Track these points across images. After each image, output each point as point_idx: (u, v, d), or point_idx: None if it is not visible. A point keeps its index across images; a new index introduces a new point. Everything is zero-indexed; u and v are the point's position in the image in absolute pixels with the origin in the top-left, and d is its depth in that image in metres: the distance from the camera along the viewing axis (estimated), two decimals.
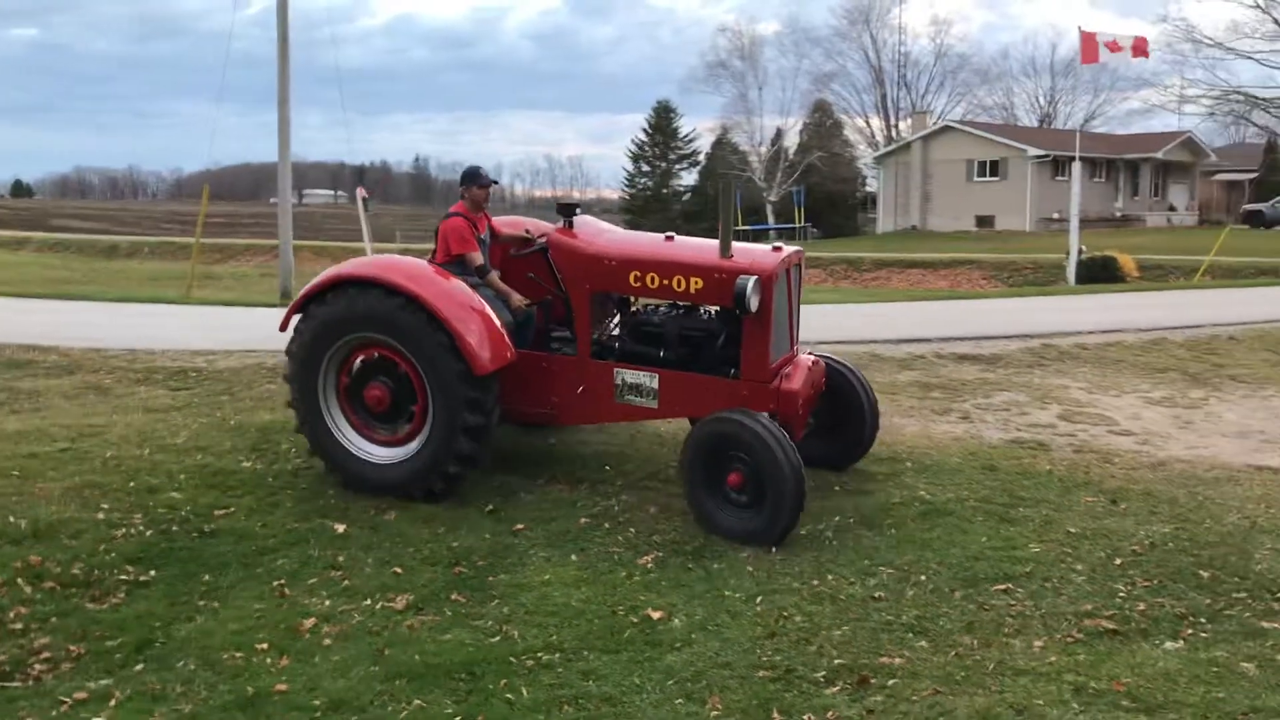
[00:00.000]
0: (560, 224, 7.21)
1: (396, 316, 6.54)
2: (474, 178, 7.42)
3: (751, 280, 6.30)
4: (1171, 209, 59.94)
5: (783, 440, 6.04)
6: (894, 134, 70.15)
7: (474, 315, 6.58)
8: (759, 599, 5.44)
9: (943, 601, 5.41)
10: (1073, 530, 6.38)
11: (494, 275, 7.28)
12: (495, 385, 6.68)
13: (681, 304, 7.00)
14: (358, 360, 6.90)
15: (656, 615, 5.24)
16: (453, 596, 5.50)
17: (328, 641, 5.00)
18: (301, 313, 6.94)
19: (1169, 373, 11.80)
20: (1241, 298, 19.88)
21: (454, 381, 6.48)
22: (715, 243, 6.72)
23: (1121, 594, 5.49)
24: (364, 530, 6.35)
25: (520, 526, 6.40)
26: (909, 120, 68.01)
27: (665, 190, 70.47)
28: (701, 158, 70.93)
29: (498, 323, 6.69)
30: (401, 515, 6.58)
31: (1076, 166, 25.98)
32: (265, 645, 4.94)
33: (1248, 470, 7.82)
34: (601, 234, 7.20)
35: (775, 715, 4.31)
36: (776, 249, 6.77)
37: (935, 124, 62.69)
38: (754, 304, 6.32)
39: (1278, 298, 19.77)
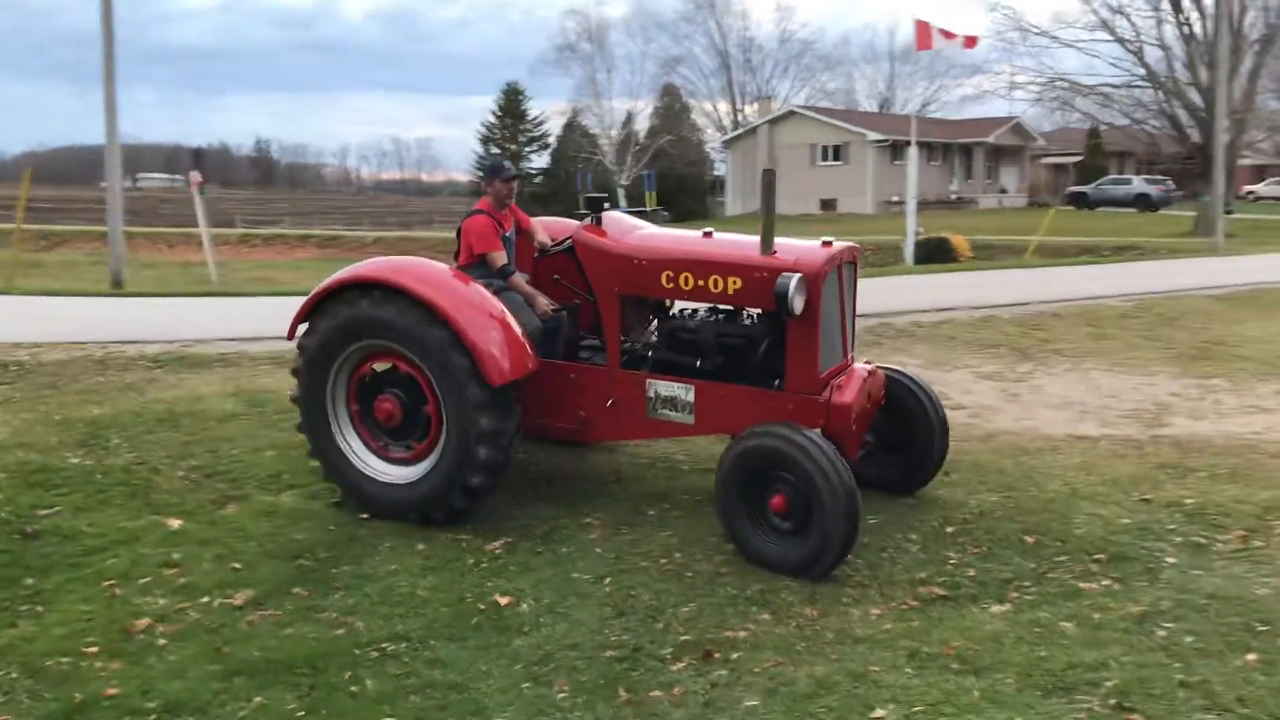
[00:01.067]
0: (587, 220, 6.56)
1: (407, 322, 5.99)
2: (496, 171, 6.90)
3: (795, 279, 5.62)
4: (1003, 191, 62.66)
5: (834, 459, 5.37)
6: (740, 118, 71.29)
7: (490, 321, 5.99)
8: (608, 579, 5.49)
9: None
10: (908, 502, 6.63)
11: (519, 277, 6.73)
12: (513, 399, 6.09)
13: (722, 308, 6.37)
14: (370, 369, 6.38)
15: (504, 601, 5.23)
16: (294, 590, 5.37)
17: (162, 642, 4.82)
18: (312, 315, 6.34)
19: (998, 348, 12.35)
20: (1065, 275, 20.93)
21: (467, 394, 5.89)
22: (757, 239, 6.06)
23: (953, 561, 5.74)
24: (201, 525, 6.14)
25: (365, 517, 6.29)
26: (755, 105, 69.23)
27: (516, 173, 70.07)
28: (552, 140, 70.76)
29: (517, 330, 6.09)
30: (242, 509, 6.40)
31: (913, 151, 26.86)
32: (95, 649, 4.73)
33: (1068, 440, 8.25)
34: (631, 231, 6.50)
35: (622, 694, 4.36)
36: (826, 244, 6.04)
37: (780, 109, 64.01)
38: (798, 306, 5.66)
39: (1099, 275, 20.91)
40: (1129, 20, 38.54)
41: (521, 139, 71.76)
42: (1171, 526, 6.22)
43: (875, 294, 16.98)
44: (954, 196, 58.28)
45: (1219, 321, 14.58)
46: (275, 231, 46.56)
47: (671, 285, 6.16)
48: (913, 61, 72.47)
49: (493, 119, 72.24)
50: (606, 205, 6.60)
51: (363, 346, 6.26)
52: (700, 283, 6.06)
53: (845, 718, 4.13)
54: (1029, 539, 6.01)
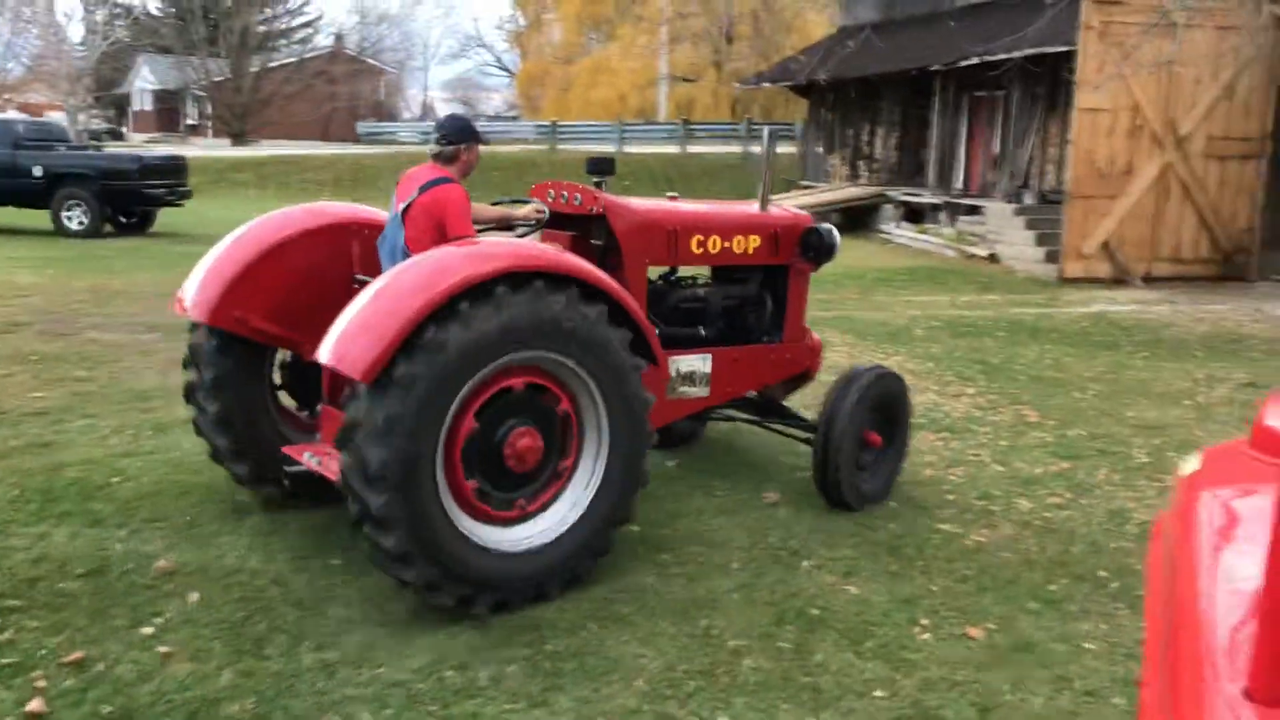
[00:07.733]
0: (597, 185, 5.47)
1: (592, 324, 4.42)
2: (476, 135, 5.20)
3: (832, 227, 6.06)
4: None
5: None
6: None
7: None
8: None
9: None
10: None
11: None
12: None
13: (718, 273, 6.17)
14: (480, 404, 4.37)
15: None
16: None
17: None
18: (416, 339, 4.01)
19: None
20: None
21: (642, 409, 4.67)
22: (723, 204, 6.42)
23: None
24: None
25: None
26: None
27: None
28: None
29: None
30: None
31: None
32: None
33: None
34: (627, 200, 5.62)
35: None
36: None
37: None
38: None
39: None
40: None
41: None
42: None
43: None
44: None
45: None
46: None
47: (700, 250, 5.76)
48: None
49: None
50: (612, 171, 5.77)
51: (496, 368, 4.28)
52: (726, 245, 5.82)
53: None
54: None
